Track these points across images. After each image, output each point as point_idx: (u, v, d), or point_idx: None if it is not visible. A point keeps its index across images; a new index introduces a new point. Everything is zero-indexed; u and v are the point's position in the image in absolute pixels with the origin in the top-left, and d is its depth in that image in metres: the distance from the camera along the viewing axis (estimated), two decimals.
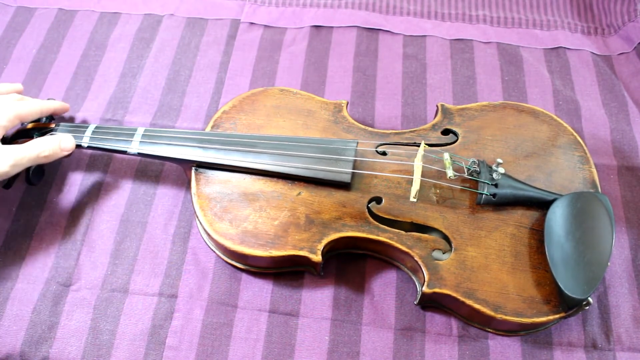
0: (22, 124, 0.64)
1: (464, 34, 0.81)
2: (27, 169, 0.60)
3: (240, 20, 0.82)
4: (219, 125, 0.63)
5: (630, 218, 0.64)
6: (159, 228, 0.64)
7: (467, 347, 0.56)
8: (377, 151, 0.61)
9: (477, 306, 0.52)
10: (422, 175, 0.57)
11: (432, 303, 0.58)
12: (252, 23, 0.82)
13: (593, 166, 0.60)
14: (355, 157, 0.59)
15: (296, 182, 0.59)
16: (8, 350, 0.56)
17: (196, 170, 0.59)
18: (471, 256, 0.54)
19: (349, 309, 0.59)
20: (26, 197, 0.66)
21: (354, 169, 0.58)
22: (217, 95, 0.74)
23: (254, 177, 0.59)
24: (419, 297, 0.55)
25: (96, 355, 0.56)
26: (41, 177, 0.63)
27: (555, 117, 0.63)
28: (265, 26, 0.82)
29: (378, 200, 0.58)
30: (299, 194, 0.58)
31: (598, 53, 0.79)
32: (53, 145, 0.59)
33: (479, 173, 0.57)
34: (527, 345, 0.56)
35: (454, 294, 0.52)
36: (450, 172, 0.56)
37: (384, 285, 0.60)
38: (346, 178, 0.57)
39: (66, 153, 0.61)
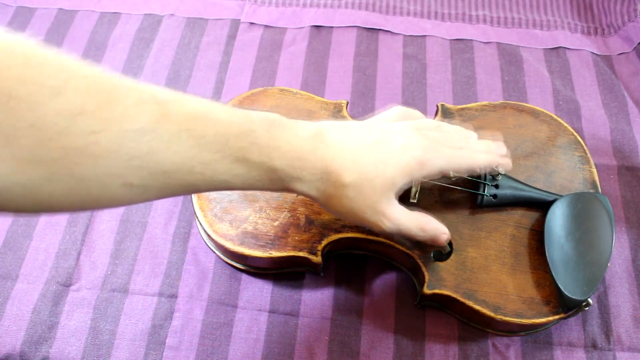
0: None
1: (464, 34, 0.81)
2: None
3: (240, 20, 0.82)
4: None
5: (630, 218, 0.64)
6: (159, 228, 0.64)
7: (467, 347, 0.56)
8: None
9: (477, 307, 0.52)
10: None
11: (432, 303, 0.58)
12: (252, 23, 0.82)
13: (593, 166, 0.60)
14: None
15: None
16: (8, 350, 0.56)
17: None
18: (471, 257, 0.54)
19: (349, 309, 0.59)
20: None
21: None
22: (217, 95, 0.74)
23: None
24: (418, 297, 0.55)
25: (96, 355, 0.56)
26: None
27: (555, 117, 0.63)
28: (265, 26, 0.82)
29: None
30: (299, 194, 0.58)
31: (598, 53, 0.79)
32: (430, 231, 0.48)
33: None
34: (527, 345, 0.56)
35: (453, 295, 0.52)
36: (450, 173, 0.56)
37: (384, 286, 0.60)
38: None
39: (429, 240, 0.49)
